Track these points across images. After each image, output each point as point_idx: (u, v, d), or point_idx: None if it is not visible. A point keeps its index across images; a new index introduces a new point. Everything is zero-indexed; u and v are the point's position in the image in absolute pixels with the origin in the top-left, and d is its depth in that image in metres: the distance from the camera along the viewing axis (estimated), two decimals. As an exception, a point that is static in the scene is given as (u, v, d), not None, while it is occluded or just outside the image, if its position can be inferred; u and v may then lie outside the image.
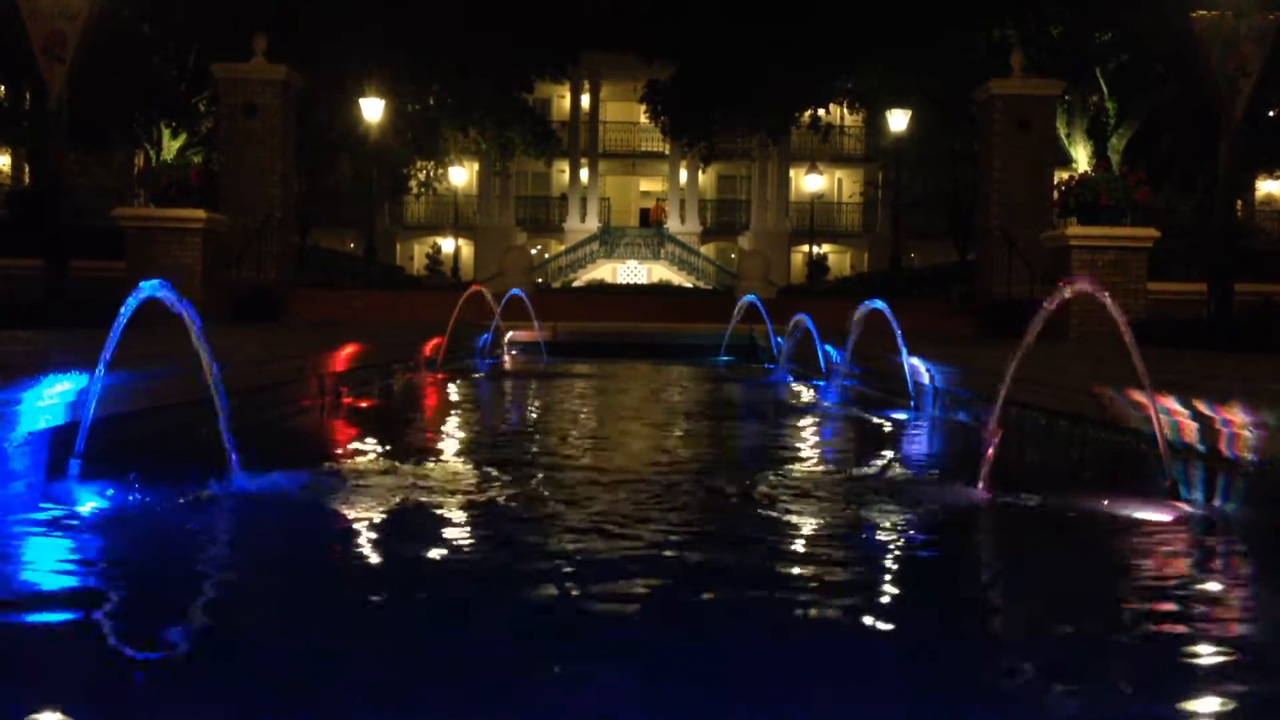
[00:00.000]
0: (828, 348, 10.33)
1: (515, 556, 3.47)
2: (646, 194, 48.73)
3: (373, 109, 22.41)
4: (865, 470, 5.29)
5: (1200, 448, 4.10)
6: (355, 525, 3.90)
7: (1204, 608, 3.06)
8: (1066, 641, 2.72)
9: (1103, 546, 3.73)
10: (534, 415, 8.16)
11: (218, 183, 16.62)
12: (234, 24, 19.21)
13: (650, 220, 47.60)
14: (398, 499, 4.23)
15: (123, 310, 4.20)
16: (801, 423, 7.59)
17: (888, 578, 3.35)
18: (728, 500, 4.41)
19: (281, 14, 19.74)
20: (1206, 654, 2.64)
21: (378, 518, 3.98)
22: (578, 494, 4.43)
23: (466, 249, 46.45)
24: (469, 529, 3.94)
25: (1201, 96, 15.67)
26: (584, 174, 46.53)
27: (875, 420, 7.34)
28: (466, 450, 6.11)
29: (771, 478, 4.85)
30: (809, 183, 36.47)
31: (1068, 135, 21.52)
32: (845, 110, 34.79)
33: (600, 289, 33.61)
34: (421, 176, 32.95)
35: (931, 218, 33.77)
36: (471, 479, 4.78)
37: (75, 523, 3.68)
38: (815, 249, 40.44)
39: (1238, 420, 3.87)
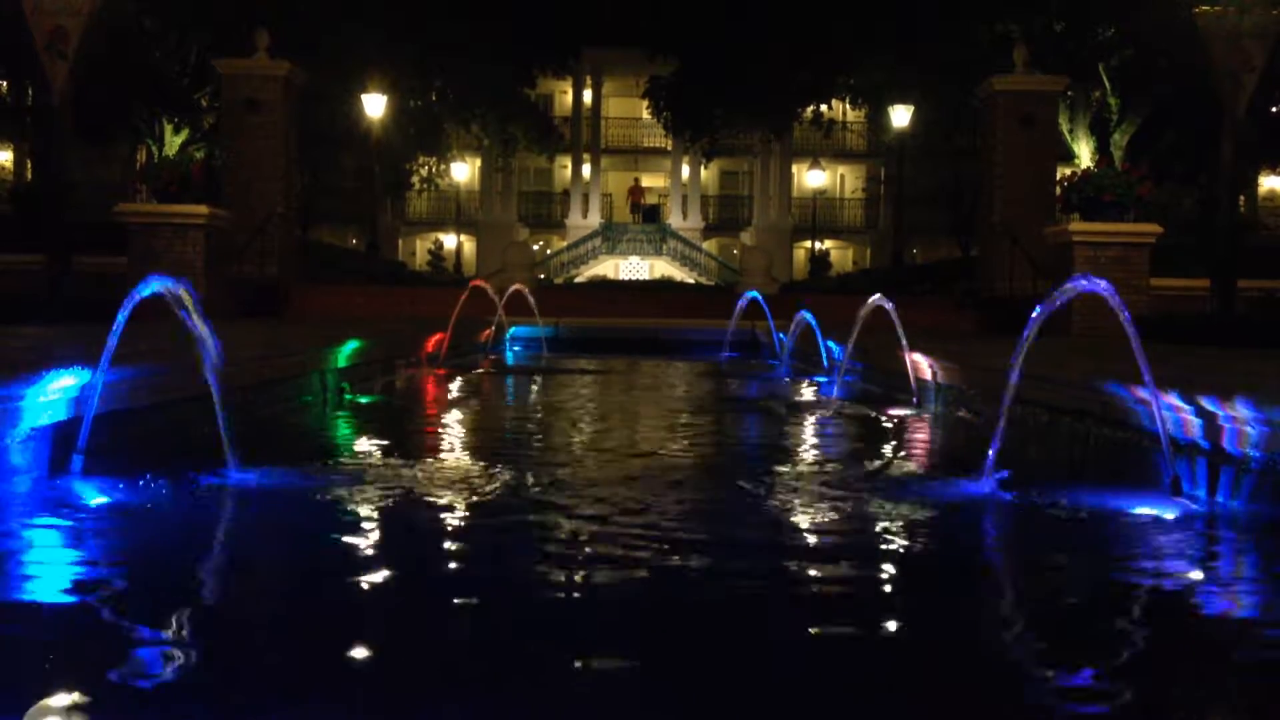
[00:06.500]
0: (830, 343, 10.33)
1: (514, 551, 3.47)
2: (649, 189, 48.68)
3: (375, 104, 22.41)
4: (865, 466, 5.29)
5: (1203, 444, 4.10)
6: (355, 520, 3.90)
7: (1204, 604, 3.06)
8: (1065, 637, 2.73)
9: (1104, 542, 3.73)
10: (535, 411, 8.16)
11: (220, 178, 16.57)
12: (236, 19, 19.19)
13: (628, 200, 47.32)
14: (398, 494, 4.23)
15: (124, 307, 4.20)
16: (803, 418, 7.58)
17: (882, 572, 3.35)
18: (728, 495, 4.41)
19: (283, 9, 19.71)
20: (1205, 648, 2.64)
21: (378, 512, 3.98)
22: (578, 489, 4.43)
23: (468, 245, 46.45)
24: (468, 524, 3.94)
25: (1204, 92, 15.63)
26: (586, 170, 46.47)
27: (876, 416, 7.34)
28: (467, 446, 6.12)
29: (772, 472, 4.85)
30: (811, 178, 36.41)
31: (1070, 131, 21.49)
32: (848, 106, 34.77)
33: (602, 285, 33.55)
34: (424, 172, 32.92)
35: (934, 214, 33.71)
36: (472, 474, 4.78)
37: (77, 518, 3.69)
38: (817, 245, 40.40)
39: (1241, 416, 3.87)
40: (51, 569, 3.17)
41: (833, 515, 4.06)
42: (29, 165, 31.68)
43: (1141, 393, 4.38)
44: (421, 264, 44.77)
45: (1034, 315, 4.51)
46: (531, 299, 14.21)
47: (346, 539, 3.65)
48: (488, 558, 3.47)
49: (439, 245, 45.74)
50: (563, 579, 3.12)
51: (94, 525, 3.67)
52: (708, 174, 47.24)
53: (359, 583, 3.15)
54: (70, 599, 2.86)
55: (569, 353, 13.59)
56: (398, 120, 25.75)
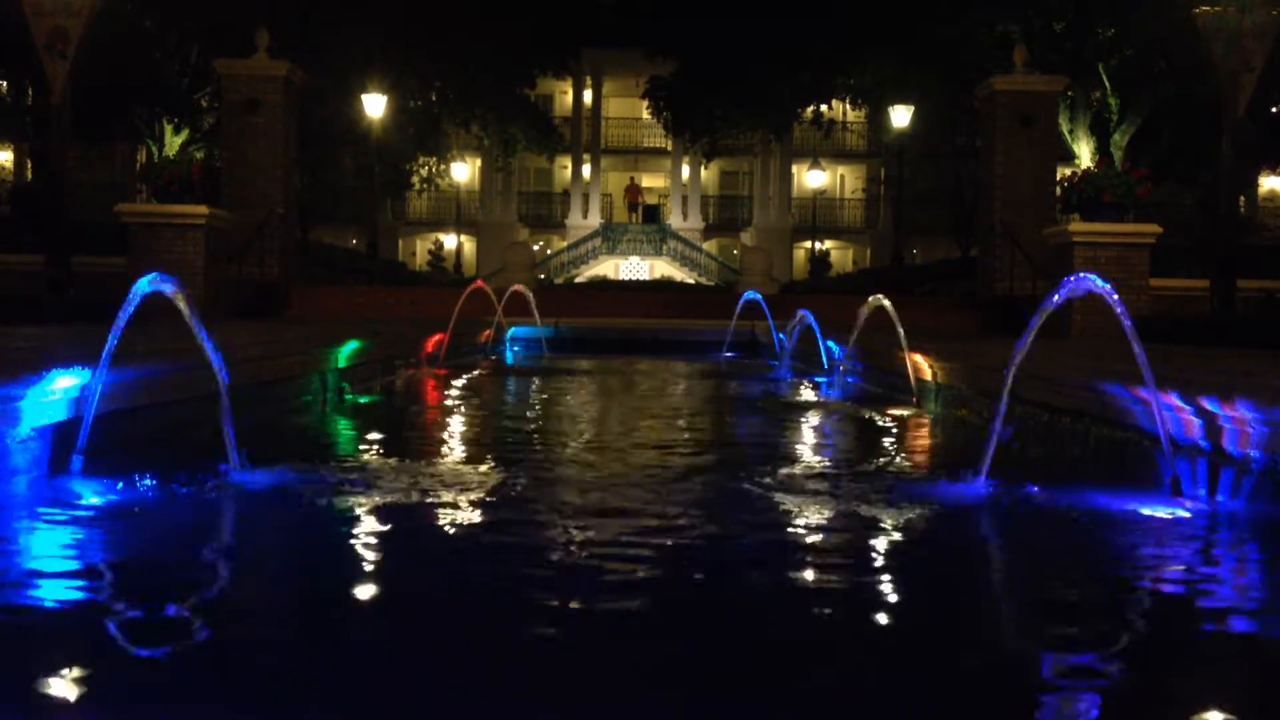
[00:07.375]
0: (830, 343, 10.33)
1: (514, 549, 3.47)
2: (649, 189, 48.70)
3: (375, 105, 22.41)
4: (864, 465, 5.28)
5: (1203, 444, 4.10)
6: (355, 520, 3.90)
7: (1204, 603, 3.06)
8: (1064, 636, 2.72)
9: (1102, 543, 3.73)
10: (535, 411, 8.15)
11: (220, 178, 16.59)
12: (236, 19, 19.20)
13: (625, 200, 47.39)
14: (398, 494, 4.23)
15: (124, 307, 4.20)
16: (802, 418, 7.58)
17: (872, 572, 3.35)
18: (728, 494, 4.41)
19: (284, 9, 19.71)
20: (1205, 648, 2.64)
21: (378, 512, 3.98)
22: (578, 488, 4.43)
23: (469, 245, 46.44)
24: (468, 523, 3.94)
25: (1204, 92, 15.64)
26: (586, 170, 46.50)
27: (876, 416, 7.34)
28: (467, 446, 6.12)
29: (769, 473, 4.84)
30: (811, 179, 36.42)
31: (1070, 131, 21.50)
32: (848, 106, 34.79)
33: (602, 285, 33.55)
34: (424, 172, 32.93)
35: (934, 214, 33.73)
36: (471, 474, 4.78)
37: (77, 518, 3.69)
38: (817, 245, 40.41)
39: (1241, 416, 3.87)
40: (50, 568, 3.16)
41: (828, 515, 4.06)
42: (29, 165, 31.69)
43: (1141, 392, 4.38)
44: (421, 264, 44.77)
45: (1033, 317, 4.50)
46: (531, 299, 14.21)
47: (345, 538, 3.65)
48: (487, 557, 3.47)
49: (439, 245, 45.74)
50: (561, 577, 3.12)
51: (93, 525, 3.66)
52: (708, 174, 47.25)
53: (357, 582, 3.15)
54: (68, 598, 2.86)
55: (569, 353, 13.60)
56: (397, 120, 25.76)
